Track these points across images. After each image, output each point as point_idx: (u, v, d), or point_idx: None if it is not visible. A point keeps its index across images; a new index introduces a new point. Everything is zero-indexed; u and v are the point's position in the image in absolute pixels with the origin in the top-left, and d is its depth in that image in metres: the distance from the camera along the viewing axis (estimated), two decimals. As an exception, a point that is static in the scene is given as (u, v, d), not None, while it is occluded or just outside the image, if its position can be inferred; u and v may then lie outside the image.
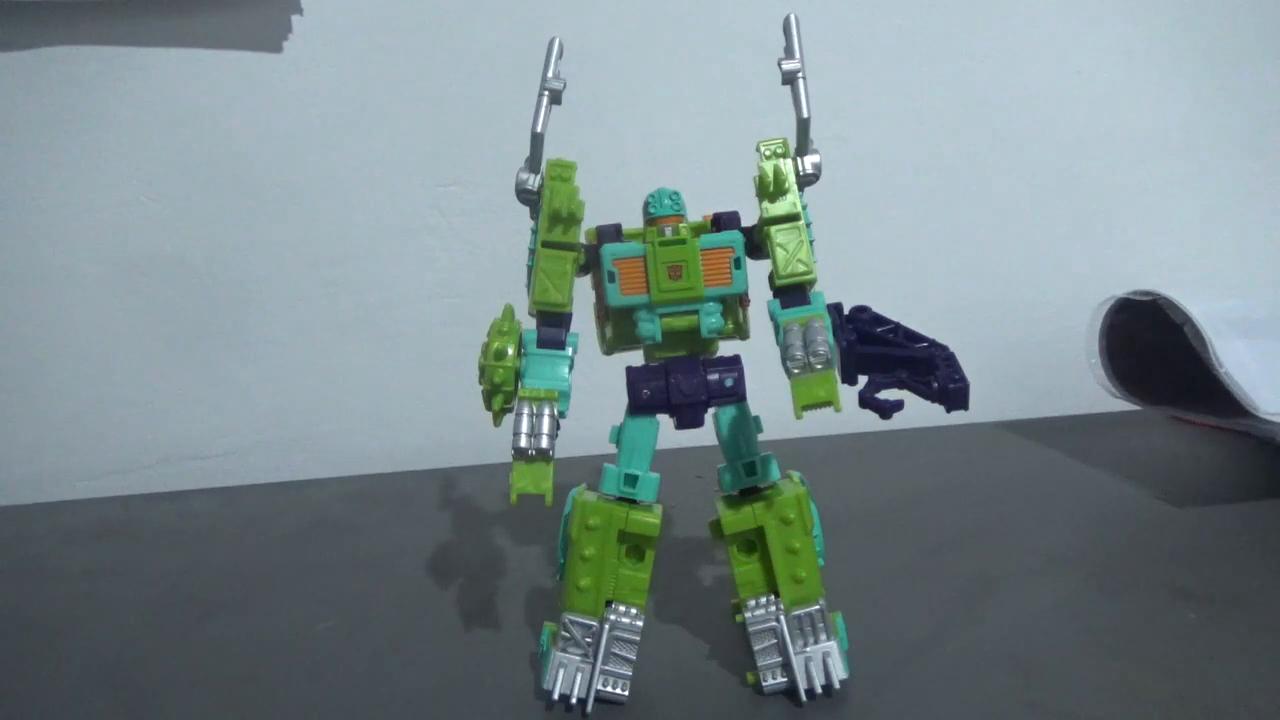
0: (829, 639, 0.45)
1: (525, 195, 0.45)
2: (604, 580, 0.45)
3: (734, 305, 0.47)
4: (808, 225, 0.44)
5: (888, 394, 0.42)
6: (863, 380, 0.43)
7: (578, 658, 0.45)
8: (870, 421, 0.43)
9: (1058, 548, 0.60)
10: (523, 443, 0.42)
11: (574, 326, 0.46)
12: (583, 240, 0.46)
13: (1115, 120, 0.92)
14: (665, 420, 0.46)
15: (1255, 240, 0.94)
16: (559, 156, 0.45)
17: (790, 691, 0.45)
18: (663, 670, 0.47)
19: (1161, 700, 0.43)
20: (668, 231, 0.44)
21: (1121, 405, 0.79)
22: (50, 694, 0.51)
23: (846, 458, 0.81)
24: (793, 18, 0.44)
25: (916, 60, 0.89)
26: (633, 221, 0.47)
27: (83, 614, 0.60)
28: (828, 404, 0.41)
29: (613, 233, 0.46)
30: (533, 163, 0.45)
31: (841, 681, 0.45)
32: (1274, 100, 0.93)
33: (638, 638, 0.46)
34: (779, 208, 0.44)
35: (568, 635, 0.45)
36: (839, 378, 0.42)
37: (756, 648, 0.45)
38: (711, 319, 0.45)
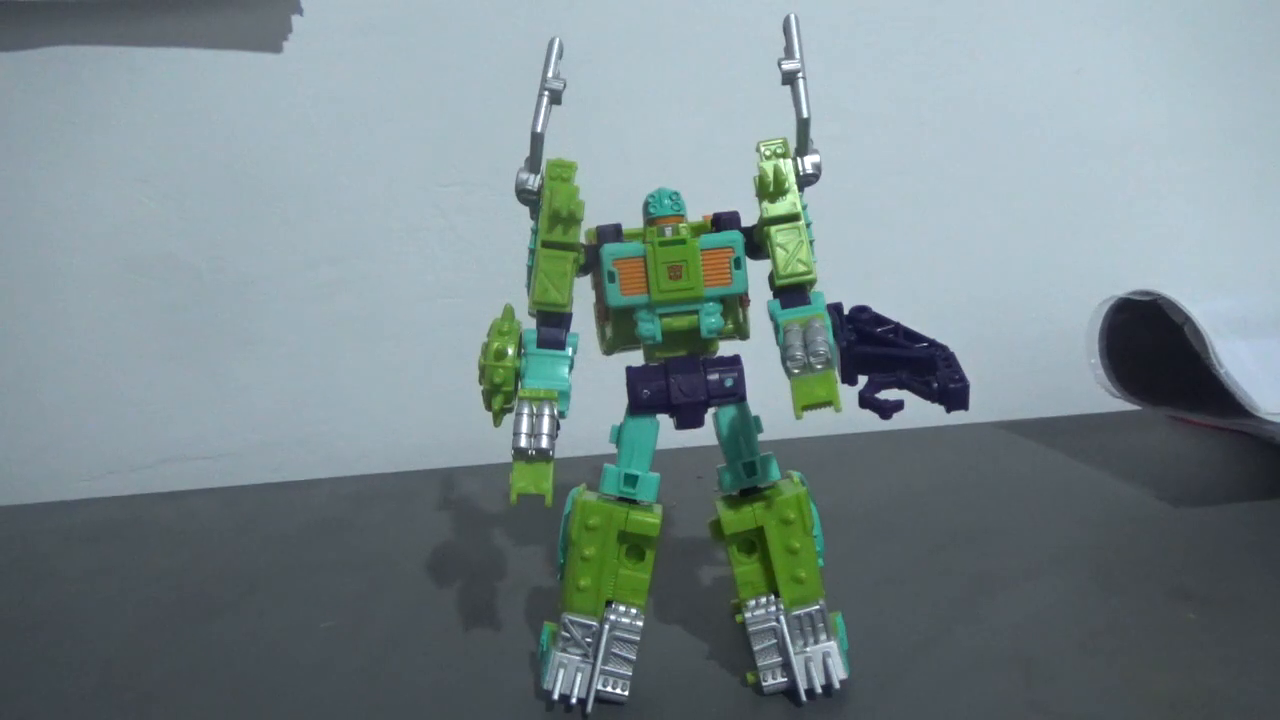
0: (829, 639, 0.45)
1: (525, 195, 0.45)
2: (604, 580, 0.45)
3: (734, 305, 0.47)
4: (808, 225, 0.44)
5: (888, 394, 0.42)
6: (863, 380, 0.43)
7: (578, 658, 0.45)
8: (870, 421, 0.43)
9: (1058, 548, 0.60)
10: (523, 443, 0.42)
11: (574, 326, 0.46)
12: (583, 240, 0.46)
13: (1115, 120, 0.92)
14: (665, 420, 0.46)
15: (1255, 240, 0.94)
16: (559, 156, 0.45)
17: (790, 691, 0.45)
18: (663, 670, 0.47)
19: (1161, 700, 0.43)
20: (668, 231, 0.44)
21: (1121, 405, 0.79)
22: (50, 694, 0.51)
23: (846, 458, 0.81)
24: (792, 18, 0.44)
25: (917, 60, 0.89)
26: (633, 221, 0.47)
27: (83, 614, 0.60)
28: (828, 404, 0.41)
29: (613, 233, 0.46)
30: (533, 163, 0.45)
31: (841, 681, 0.45)
32: (1275, 100, 0.93)
33: (638, 638, 0.46)
34: (779, 208, 0.44)
35: (568, 635, 0.45)
36: (839, 378, 0.42)
37: (756, 648, 0.45)
38: (711, 319, 0.45)
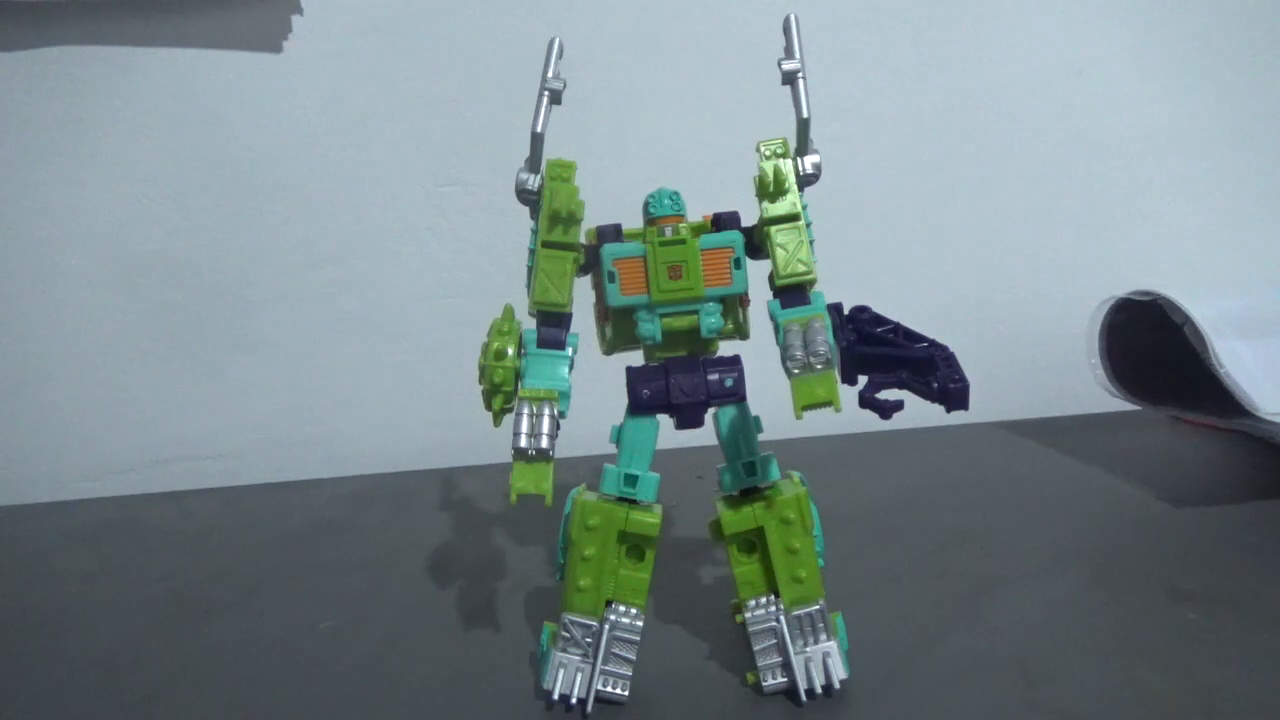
0: (829, 639, 0.45)
1: (525, 195, 0.45)
2: (604, 580, 0.45)
3: (734, 305, 0.47)
4: (808, 225, 0.44)
5: (888, 394, 0.42)
6: (863, 380, 0.43)
7: (578, 658, 0.45)
8: (870, 421, 0.43)
9: (1058, 548, 0.60)
10: (523, 443, 0.42)
11: (574, 326, 0.46)
12: (583, 240, 0.46)
13: (1116, 120, 0.92)
14: (665, 420, 0.46)
15: (1255, 240, 0.94)
16: (559, 156, 0.45)
17: (790, 691, 0.45)
18: (663, 670, 0.47)
19: (1161, 700, 0.43)
20: (668, 231, 0.44)
21: (1121, 405, 0.79)
22: (50, 694, 0.51)
23: (846, 458, 0.81)
24: (793, 18, 0.44)
25: (917, 60, 0.89)
26: (633, 221, 0.47)
27: (83, 614, 0.60)
28: (828, 404, 0.41)
29: (613, 233, 0.46)
30: (533, 163, 0.45)
31: (841, 681, 0.45)
32: (1275, 100, 0.93)
33: (638, 638, 0.46)
34: (779, 208, 0.44)
35: (568, 635, 0.45)
36: (839, 378, 0.42)
37: (756, 648, 0.45)
38: (711, 319, 0.45)
